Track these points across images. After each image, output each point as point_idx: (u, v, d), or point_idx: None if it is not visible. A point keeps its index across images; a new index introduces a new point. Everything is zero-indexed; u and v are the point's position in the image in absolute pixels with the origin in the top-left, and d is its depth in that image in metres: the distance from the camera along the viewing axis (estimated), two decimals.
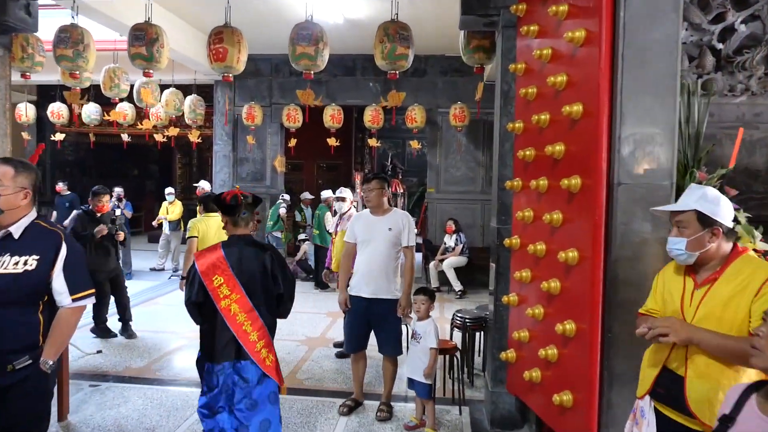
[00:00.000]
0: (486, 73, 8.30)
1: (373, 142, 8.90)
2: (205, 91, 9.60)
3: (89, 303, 2.36)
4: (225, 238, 2.90)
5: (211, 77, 9.23)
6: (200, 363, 2.83)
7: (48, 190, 12.06)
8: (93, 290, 2.35)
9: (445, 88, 9.18)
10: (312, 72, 4.52)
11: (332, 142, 8.77)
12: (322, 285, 8.19)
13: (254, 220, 2.91)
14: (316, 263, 8.51)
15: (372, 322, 3.83)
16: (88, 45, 4.66)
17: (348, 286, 3.91)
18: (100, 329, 5.53)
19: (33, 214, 2.25)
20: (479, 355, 4.88)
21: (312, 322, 6.38)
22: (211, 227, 4.93)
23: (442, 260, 8.30)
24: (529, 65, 3.17)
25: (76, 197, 9.96)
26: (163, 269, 9.64)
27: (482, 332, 4.62)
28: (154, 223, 9.81)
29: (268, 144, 9.45)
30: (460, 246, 8.31)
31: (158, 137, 9.37)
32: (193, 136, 8.75)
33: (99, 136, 12.14)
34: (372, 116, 8.61)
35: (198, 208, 5.63)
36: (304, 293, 8.11)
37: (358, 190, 8.82)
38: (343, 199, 5.30)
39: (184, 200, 13.84)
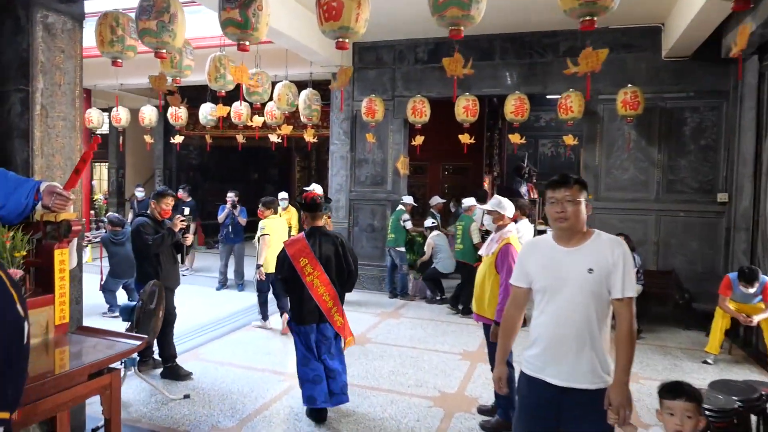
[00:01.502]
0: (666, 45, 6.28)
1: (515, 138, 7.30)
2: (322, 88, 8.64)
3: None
4: (285, 236, 4.72)
5: (328, 69, 8.26)
6: (290, 324, 3.71)
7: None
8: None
9: (609, 68, 7.25)
10: (462, 29, 3.11)
11: (465, 139, 7.32)
12: (465, 311, 6.74)
13: (328, 216, 3.76)
14: (462, 285, 7.06)
15: (563, 422, 2.29)
16: (175, 15, 3.70)
17: (523, 359, 2.44)
18: (171, 370, 4.51)
19: None
20: None
21: (444, 367, 4.96)
22: (277, 227, 5.92)
23: None
24: None
25: (194, 206, 9.56)
26: None
27: None
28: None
29: (390, 143, 8.24)
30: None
31: (272, 137, 8.59)
32: (309, 135, 7.80)
33: (218, 138, 11.90)
34: (515, 106, 7.03)
35: (264, 210, 6.01)
36: (433, 321, 6.71)
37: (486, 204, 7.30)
38: (500, 216, 3.77)
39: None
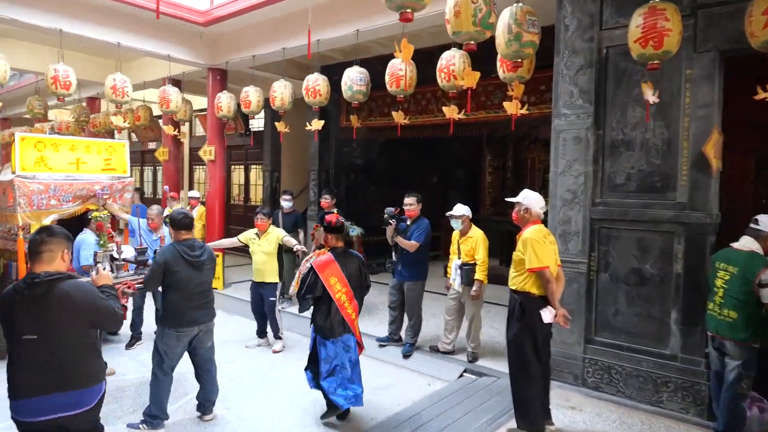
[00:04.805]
0: None
1: None
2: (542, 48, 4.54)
3: None
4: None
5: None
6: (318, 339, 3.89)
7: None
8: None
9: None
10: None
11: None
12: None
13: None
14: None
15: None
16: None
17: None
18: None
19: None
20: None
21: None
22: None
23: None
24: None
25: (298, 217, 6.74)
26: (452, 351, 5.32)
27: None
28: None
29: (685, 104, 4.01)
30: None
31: (449, 112, 5.02)
32: (516, 96, 4.04)
33: (379, 129, 8.82)
34: None
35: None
36: None
37: None
38: None
39: (492, 220, 9.47)
